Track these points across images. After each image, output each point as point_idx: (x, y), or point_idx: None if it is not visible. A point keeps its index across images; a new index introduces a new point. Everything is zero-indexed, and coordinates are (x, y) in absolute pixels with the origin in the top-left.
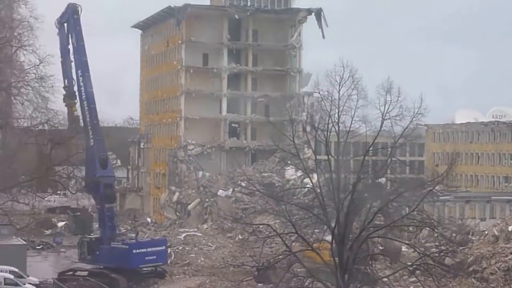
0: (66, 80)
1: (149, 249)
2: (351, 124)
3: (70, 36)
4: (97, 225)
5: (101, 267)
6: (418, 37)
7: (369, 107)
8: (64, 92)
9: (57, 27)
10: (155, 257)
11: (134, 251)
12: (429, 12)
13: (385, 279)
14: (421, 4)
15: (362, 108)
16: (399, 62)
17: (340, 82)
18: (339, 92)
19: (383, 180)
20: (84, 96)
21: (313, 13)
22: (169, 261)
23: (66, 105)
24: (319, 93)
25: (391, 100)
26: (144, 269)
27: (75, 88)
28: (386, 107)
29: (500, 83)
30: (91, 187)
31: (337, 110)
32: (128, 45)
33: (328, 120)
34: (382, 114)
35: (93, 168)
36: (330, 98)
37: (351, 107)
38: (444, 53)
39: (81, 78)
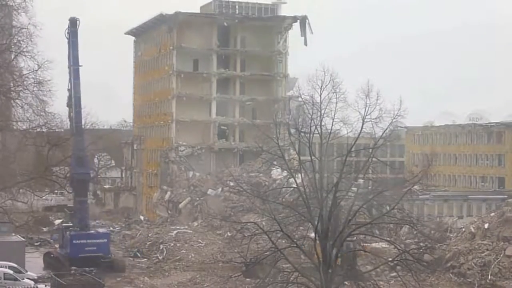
0: (69, 84)
1: (89, 241)
2: (331, 126)
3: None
4: (92, 222)
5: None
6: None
7: (350, 110)
8: (68, 95)
9: (66, 37)
10: (95, 248)
11: (74, 241)
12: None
13: (367, 274)
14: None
15: (342, 110)
16: (382, 66)
17: (321, 86)
18: (320, 96)
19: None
20: (73, 100)
21: (298, 21)
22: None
23: (67, 106)
24: (300, 97)
25: (370, 103)
26: (103, 260)
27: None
28: (366, 110)
29: (477, 88)
30: (70, 182)
31: (319, 113)
32: (122, 51)
33: (311, 122)
34: (363, 117)
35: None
36: (311, 101)
37: (333, 109)
38: (425, 57)
39: (72, 84)
